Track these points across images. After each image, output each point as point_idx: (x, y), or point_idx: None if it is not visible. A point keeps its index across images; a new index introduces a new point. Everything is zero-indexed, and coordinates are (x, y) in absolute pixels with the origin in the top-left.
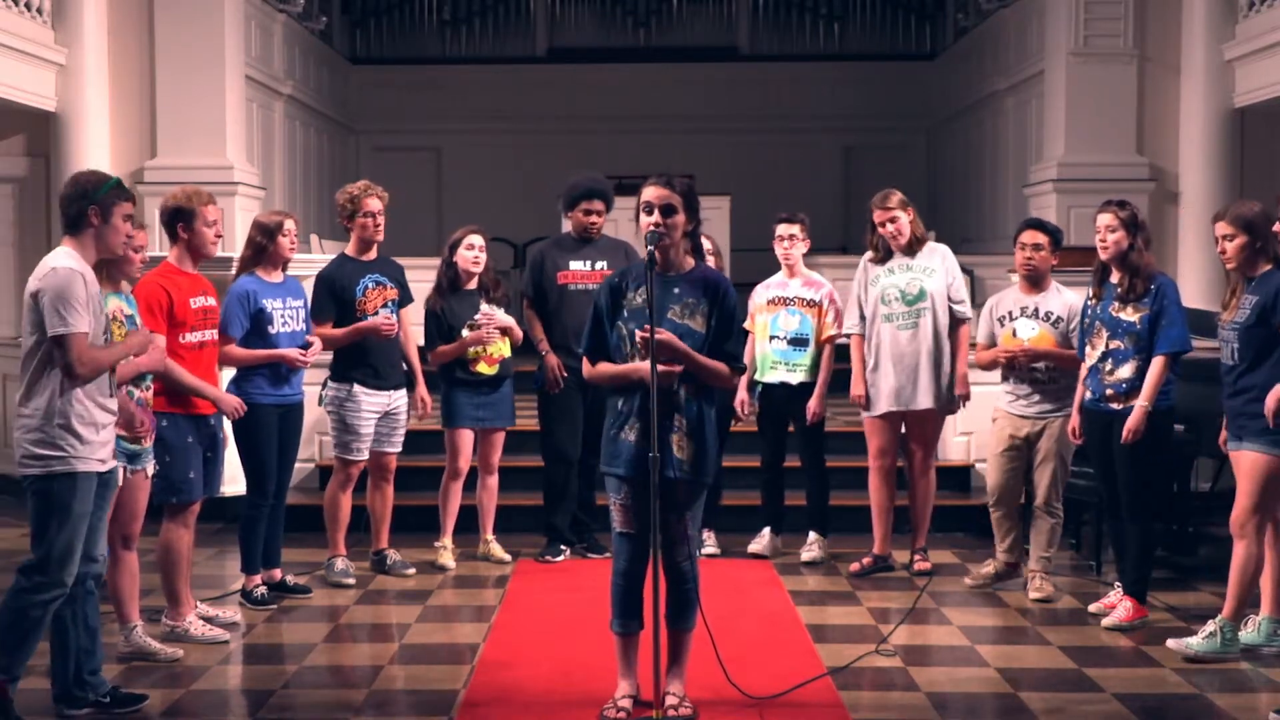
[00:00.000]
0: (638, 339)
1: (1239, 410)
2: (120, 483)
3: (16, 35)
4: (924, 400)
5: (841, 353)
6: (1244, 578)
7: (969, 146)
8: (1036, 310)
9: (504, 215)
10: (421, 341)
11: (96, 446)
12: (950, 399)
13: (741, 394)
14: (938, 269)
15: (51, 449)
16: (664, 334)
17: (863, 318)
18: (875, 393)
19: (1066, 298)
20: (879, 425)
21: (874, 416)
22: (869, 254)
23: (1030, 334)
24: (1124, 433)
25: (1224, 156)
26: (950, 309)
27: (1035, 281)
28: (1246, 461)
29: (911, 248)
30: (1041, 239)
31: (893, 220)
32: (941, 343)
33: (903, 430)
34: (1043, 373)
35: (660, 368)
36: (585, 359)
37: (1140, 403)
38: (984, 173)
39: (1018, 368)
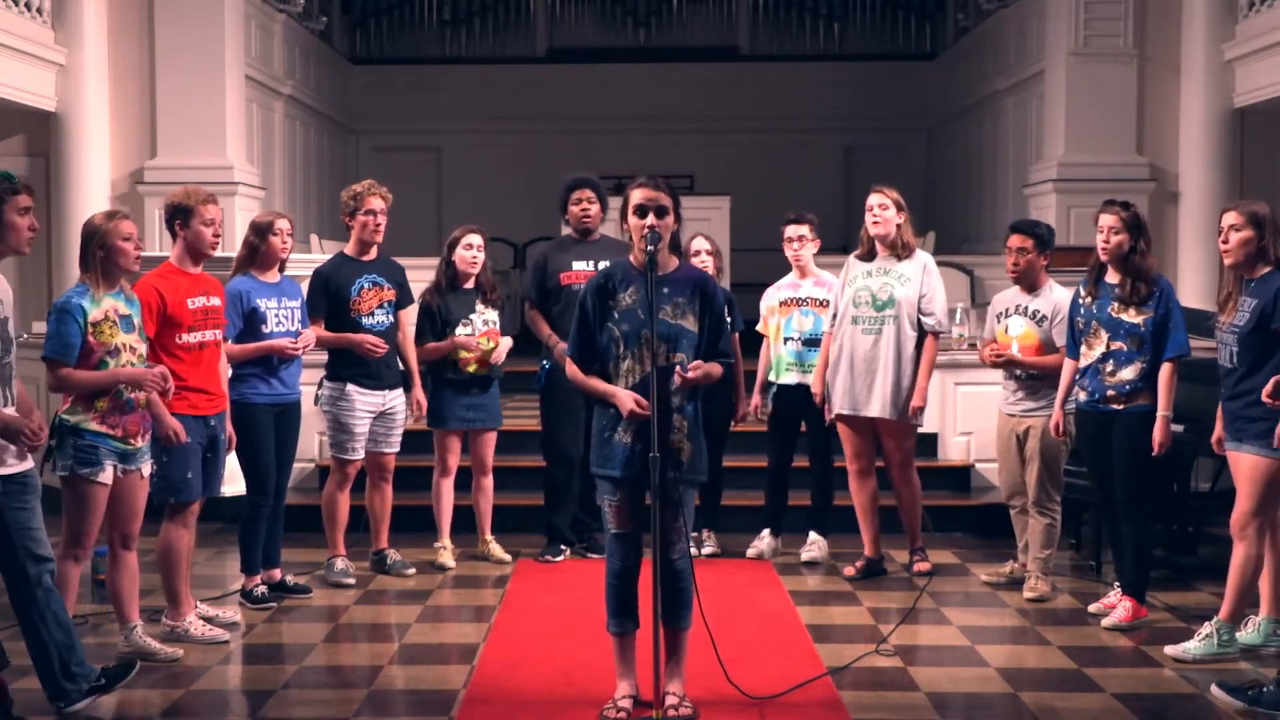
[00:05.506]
0: (676, 380)
1: (1237, 413)
2: (109, 483)
3: (16, 35)
4: (874, 408)
5: None
6: (1243, 579)
7: (969, 146)
8: (1027, 309)
9: (504, 215)
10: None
11: None
12: (906, 410)
13: (755, 398)
14: (913, 278)
15: None
16: (691, 371)
17: (835, 316)
18: (831, 393)
19: (1055, 296)
20: (845, 428)
21: (839, 419)
22: (856, 249)
23: (1018, 331)
24: (1154, 447)
25: (1224, 156)
26: (919, 320)
27: (1027, 283)
28: (1246, 464)
29: (895, 252)
30: (1026, 242)
31: (882, 207)
32: (904, 352)
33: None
34: (1022, 371)
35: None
36: (572, 363)
37: (1161, 413)
38: (984, 173)
39: (1002, 365)
